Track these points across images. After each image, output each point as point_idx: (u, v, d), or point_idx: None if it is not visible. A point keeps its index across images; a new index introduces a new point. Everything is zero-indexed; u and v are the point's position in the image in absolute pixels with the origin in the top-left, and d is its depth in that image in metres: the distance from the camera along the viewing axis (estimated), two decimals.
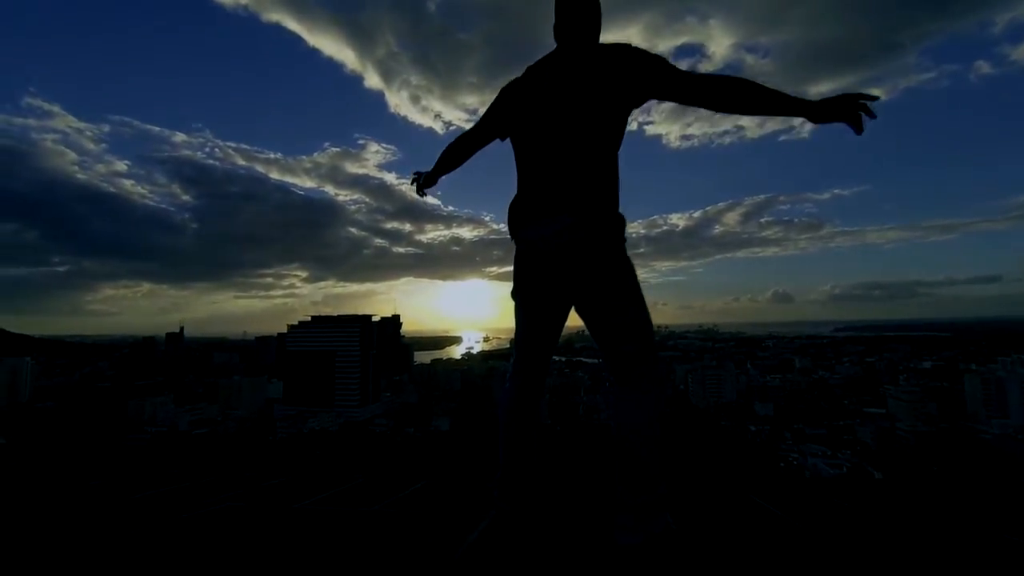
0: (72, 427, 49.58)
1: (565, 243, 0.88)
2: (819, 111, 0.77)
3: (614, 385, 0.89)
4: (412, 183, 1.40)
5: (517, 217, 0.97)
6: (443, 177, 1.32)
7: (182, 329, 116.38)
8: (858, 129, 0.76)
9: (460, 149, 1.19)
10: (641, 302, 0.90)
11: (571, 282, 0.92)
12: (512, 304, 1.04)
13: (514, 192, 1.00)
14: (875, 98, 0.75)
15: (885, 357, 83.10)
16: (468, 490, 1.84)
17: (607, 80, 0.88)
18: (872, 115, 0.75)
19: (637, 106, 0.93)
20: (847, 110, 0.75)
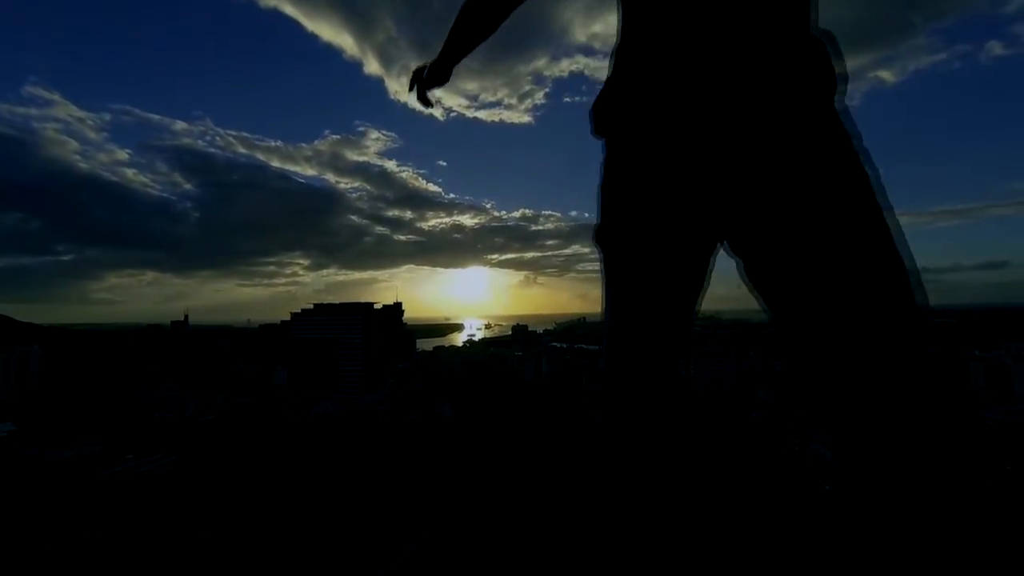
0: (81, 414, 50.46)
1: (723, 106, 0.46)
2: None
3: (835, 445, 0.43)
4: (411, 89, 0.90)
5: (628, 90, 0.53)
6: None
7: (187, 317, 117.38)
8: None
9: (491, 7, 0.70)
10: (879, 218, 0.44)
11: (730, 185, 0.47)
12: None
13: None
14: None
15: None
16: (496, 544, 1.35)
17: None
18: None
19: None
20: None
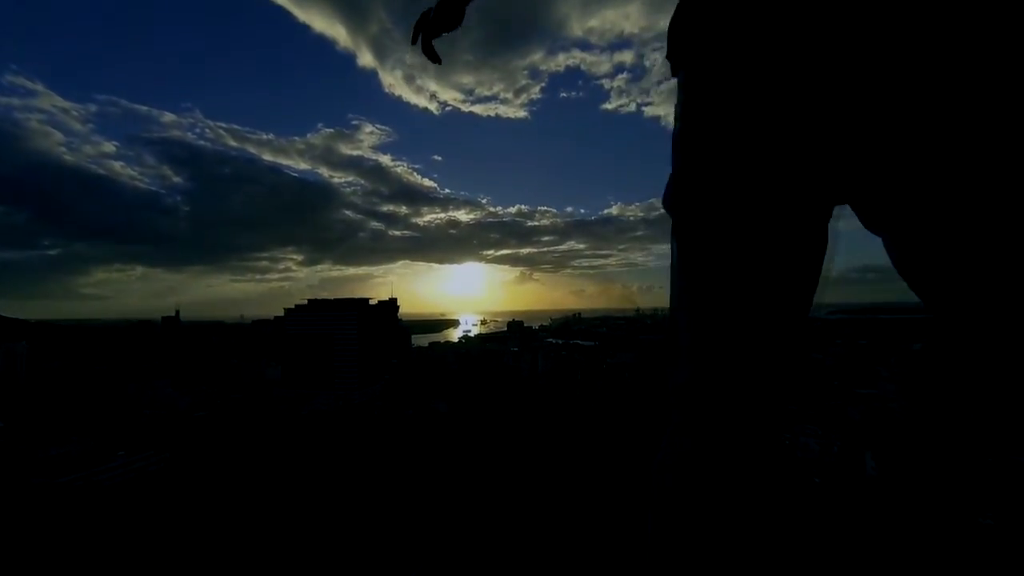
0: (71, 411, 49.86)
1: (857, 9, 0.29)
2: None
3: None
4: (415, 41, 0.72)
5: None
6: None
7: (178, 312, 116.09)
8: None
9: None
10: None
11: (869, 125, 0.30)
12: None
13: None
14: None
15: (877, 339, 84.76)
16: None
17: None
18: None
19: None
20: None
